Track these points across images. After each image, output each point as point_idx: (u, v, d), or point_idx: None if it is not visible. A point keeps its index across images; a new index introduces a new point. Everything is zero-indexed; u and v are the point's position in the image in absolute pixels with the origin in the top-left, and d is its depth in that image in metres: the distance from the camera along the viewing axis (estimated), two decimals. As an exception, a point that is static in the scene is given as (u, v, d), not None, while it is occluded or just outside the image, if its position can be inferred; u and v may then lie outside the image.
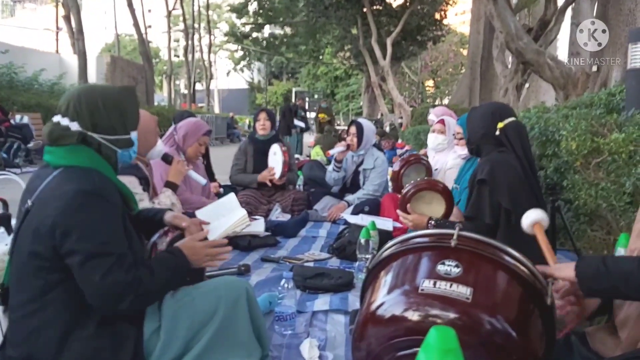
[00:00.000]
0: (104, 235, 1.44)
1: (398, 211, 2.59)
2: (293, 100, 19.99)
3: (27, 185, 1.57)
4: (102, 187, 1.49)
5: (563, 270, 1.35)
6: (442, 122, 3.79)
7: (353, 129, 4.47)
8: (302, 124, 11.55)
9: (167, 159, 2.97)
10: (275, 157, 4.40)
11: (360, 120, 4.68)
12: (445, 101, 22.91)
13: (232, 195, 2.23)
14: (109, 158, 1.61)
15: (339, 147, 4.53)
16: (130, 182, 2.53)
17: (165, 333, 1.57)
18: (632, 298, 1.30)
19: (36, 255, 1.44)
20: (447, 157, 3.62)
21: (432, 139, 3.82)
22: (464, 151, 3.22)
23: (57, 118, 1.56)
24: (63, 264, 1.43)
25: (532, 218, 1.65)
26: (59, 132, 1.54)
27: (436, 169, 3.62)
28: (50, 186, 1.48)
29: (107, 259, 1.42)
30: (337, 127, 14.35)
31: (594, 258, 1.32)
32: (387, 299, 1.35)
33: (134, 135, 1.66)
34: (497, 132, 2.28)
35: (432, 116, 4.44)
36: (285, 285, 2.10)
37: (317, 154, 8.34)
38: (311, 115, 17.80)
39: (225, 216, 2.05)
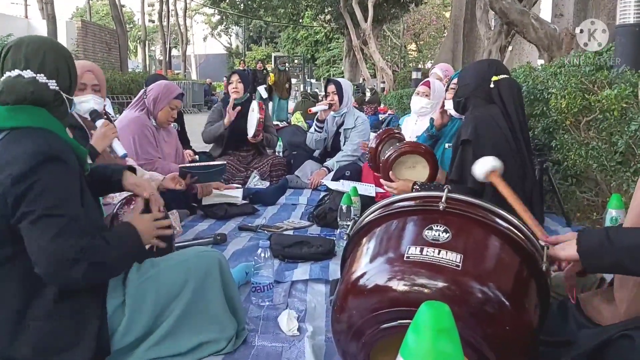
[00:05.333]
0: (57, 197, 1.29)
1: (381, 180, 2.46)
2: (273, 65, 19.21)
3: None
4: (58, 148, 1.34)
5: (566, 250, 1.25)
6: (427, 84, 3.60)
7: (332, 87, 4.33)
8: (263, 92, 9.86)
9: (94, 117, 2.44)
10: (253, 114, 4.26)
11: (336, 78, 4.53)
12: (428, 65, 22.66)
13: None
14: (63, 118, 1.47)
15: (321, 105, 4.38)
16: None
17: (130, 309, 1.45)
18: (637, 273, 1.21)
19: None
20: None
21: (416, 102, 3.62)
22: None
23: (28, 73, 1.37)
24: (15, 235, 1.29)
25: (485, 167, 1.59)
26: (41, 91, 1.37)
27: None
28: None
29: (58, 220, 1.27)
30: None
31: (595, 231, 1.22)
32: (369, 268, 1.24)
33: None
34: (492, 85, 2.18)
35: (437, 70, 4.20)
36: (262, 254, 1.99)
37: (297, 119, 8.15)
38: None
39: None
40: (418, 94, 3.60)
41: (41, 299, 1.34)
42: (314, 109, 4.47)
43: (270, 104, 10.65)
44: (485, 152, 2.08)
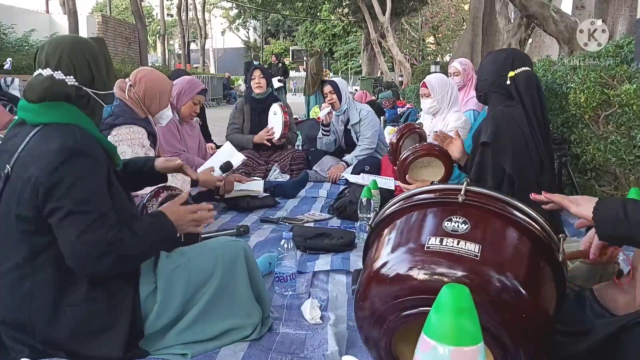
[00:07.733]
0: (86, 192, 1.36)
1: (399, 183, 2.52)
2: (291, 59, 19.21)
3: (1, 147, 1.47)
4: (85, 144, 1.41)
5: (582, 206, 1.28)
6: (424, 85, 3.63)
7: (329, 88, 4.47)
8: (276, 83, 10.05)
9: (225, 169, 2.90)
10: (276, 117, 4.32)
11: (331, 78, 4.68)
12: (447, 58, 22.46)
13: (227, 143, 2.61)
14: (94, 114, 1.54)
15: (324, 110, 4.50)
16: (139, 132, 2.45)
17: (161, 295, 1.52)
18: None
19: (21, 219, 1.37)
20: (446, 118, 3.51)
21: (422, 104, 3.70)
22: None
23: (47, 71, 1.44)
24: (48, 225, 1.37)
25: None
26: (58, 87, 1.43)
27: (436, 132, 3.51)
28: (30, 146, 1.40)
29: (86, 217, 1.35)
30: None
31: (614, 202, 1.25)
32: (391, 258, 1.29)
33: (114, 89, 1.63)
34: (508, 82, 2.15)
35: (456, 63, 4.19)
36: (285, 245, 2.05)
37: (316, 113, 8.20)
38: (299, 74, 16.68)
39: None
40: (422, 96, 3.66)
41: (76, 284, 1.42)
42: (320, 116, 4.57)
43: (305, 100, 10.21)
44: (504, 155, 2.09)
